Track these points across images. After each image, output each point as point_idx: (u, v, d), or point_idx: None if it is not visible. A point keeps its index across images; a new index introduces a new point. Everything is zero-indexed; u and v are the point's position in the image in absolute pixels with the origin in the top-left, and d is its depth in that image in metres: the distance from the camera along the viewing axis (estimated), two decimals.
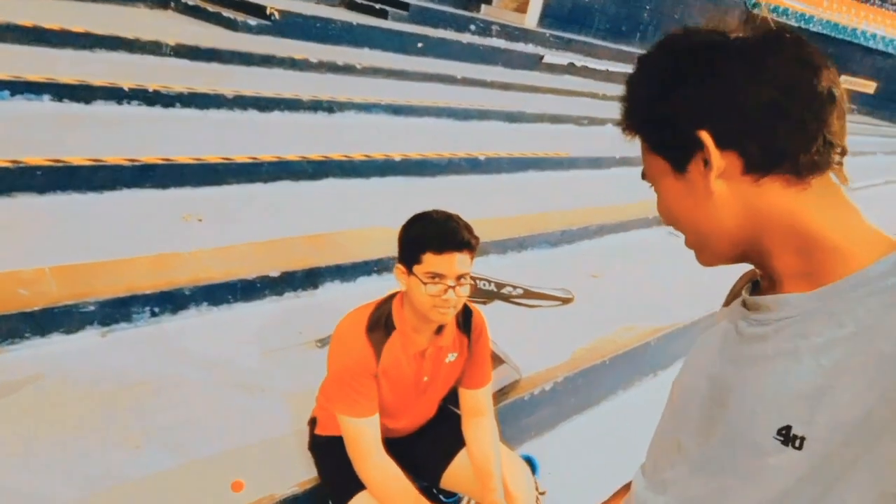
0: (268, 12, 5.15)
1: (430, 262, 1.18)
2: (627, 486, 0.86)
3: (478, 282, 2.76)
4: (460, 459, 1.46)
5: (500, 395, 2.04)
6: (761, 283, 0.60)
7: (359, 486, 1.32)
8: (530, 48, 7.84)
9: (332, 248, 2.64)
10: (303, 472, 1.55)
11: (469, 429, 1.42)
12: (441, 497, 1.81)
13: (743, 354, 0.56)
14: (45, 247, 2.10)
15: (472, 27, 7.40)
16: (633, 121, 0.58)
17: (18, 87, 2.95)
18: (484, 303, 2.76)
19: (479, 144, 4.33)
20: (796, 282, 0.53)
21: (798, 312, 0.52)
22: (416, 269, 1.21)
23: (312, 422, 1.54)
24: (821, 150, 0.50)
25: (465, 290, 1.23)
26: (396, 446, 1.48)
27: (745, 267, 0.62)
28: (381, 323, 1.30)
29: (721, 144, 0.51)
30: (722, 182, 0.52)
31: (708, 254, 0.59)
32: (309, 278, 2.45)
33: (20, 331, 1.80)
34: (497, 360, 2.03)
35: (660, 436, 0.70)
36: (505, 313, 2.73)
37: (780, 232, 0.53)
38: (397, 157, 3.63)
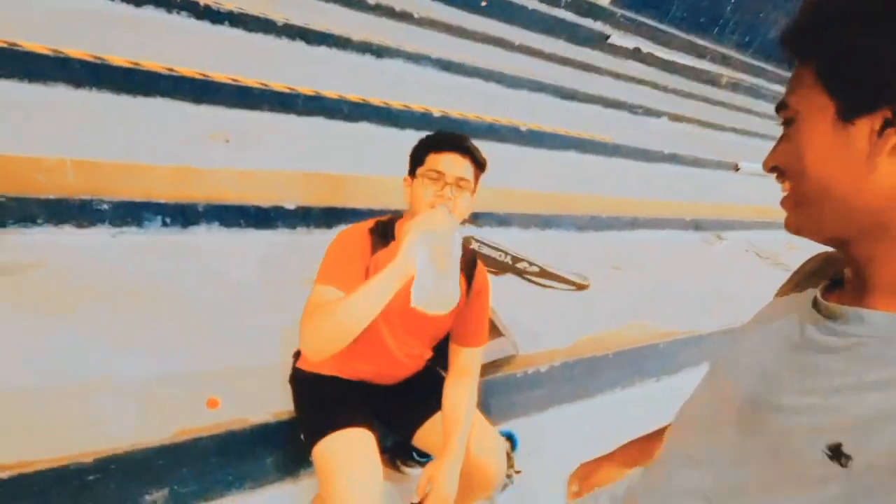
0: None
1: (431, 160, 1.23)
2: (655, 434, 0.83)
3: (494, 251, 2.69)
4: (435, 420, 1.42)
5: (492, 367, 1.99)
6: (844, 287, 0.53)
7: (330, 426, 1.29)
8: (598, 25, 7.48)
9: (352, 191, 2.59)
10: (280, 403, 1.54)
11: (448, 387, 1.38)
12: (415, 455, 1.80)
13: (808, 361, 0.50)
14: (71, 139, 2.10)
15: None
16: (817, 35, 0.46)
17: None
18: (496, 273, 2.69)
19: (523, 115, 4.18)
20: (890, 298, 0.46)
21: (881, 333, 0.45)
22: (418, 171, 1.25)
23: (296, 355, 1.52)
24: None
25: (464, 200, 1.24)
26: (377, 397, 1.45)
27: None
28: (382, 231, 1.33)
29: None
30: (888, 154, 0.43)
31: (812, 218, 0.50)
32: (324, 216, 2.42)
33: (33, 215, 1.82)
34: (496, 331, 1.97)
35: (696, 405, 0.65)
36: (515, 287, 2.67)
37: None
38: (436, 113, 3.52)
